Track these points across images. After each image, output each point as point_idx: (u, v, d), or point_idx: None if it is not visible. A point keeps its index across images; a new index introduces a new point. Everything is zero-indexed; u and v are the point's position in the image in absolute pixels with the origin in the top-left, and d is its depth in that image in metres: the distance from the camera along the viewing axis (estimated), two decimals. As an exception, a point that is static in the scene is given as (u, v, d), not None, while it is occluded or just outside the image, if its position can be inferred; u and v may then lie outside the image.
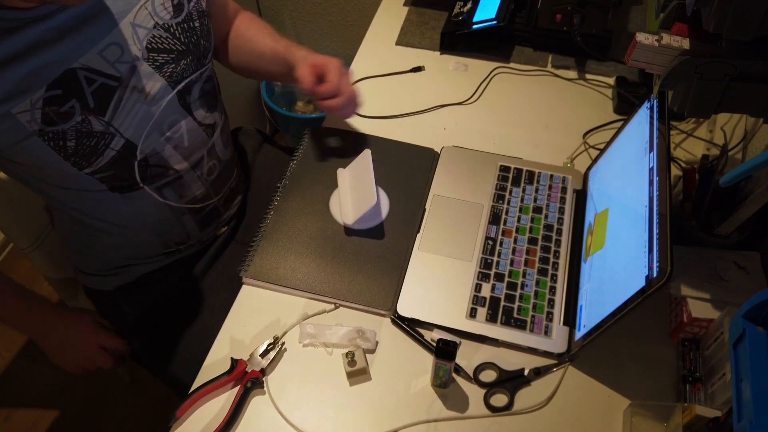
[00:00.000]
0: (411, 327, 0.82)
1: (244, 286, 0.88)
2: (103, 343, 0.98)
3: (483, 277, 0.86)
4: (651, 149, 0.77)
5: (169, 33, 0.81)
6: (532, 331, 0.81)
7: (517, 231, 0.91)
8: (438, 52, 1.21)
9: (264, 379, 0.78)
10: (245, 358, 0.79)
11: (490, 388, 0.77)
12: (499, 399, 0.77)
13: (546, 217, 0.93)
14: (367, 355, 0.80)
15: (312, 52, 0.97)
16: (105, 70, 0.74)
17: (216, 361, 0.80)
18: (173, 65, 0.82)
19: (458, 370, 0.79)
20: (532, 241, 0.90)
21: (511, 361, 0.80)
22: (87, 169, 0.78)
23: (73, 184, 0.82)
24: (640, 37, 0.72)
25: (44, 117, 0.71)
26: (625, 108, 1.07)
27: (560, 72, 1.16)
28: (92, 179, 0.80)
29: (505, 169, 0.99)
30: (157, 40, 0.79)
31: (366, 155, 0.94)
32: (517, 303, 0.83)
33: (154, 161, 0.85)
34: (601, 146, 1.02)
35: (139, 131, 0.80)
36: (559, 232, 0.91)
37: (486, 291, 0.85)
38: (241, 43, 1.02)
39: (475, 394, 0.77)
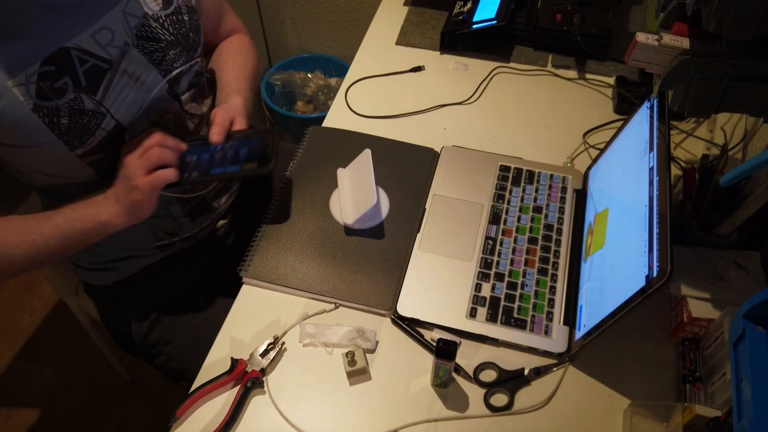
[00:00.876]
0: (411, 327, 0.82)
1: (244, 286, 0.88)
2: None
3: (483, 276, 0.86)
4: (651, 149, 0.77)
5: (158, 23, 0.84)
6: (532, 330, 0.81)
7: (517, 231, 0.91)
8: (438, 52, 1.21)
9: (264, 378, 0.78)
10: (245, 357, 0.79)
11: (490, 387, 0.77)
12: (499, 399, 0.77)
13: (546, 216, 0.93)
14: (367, 354, 0.80)
15: (239, 105, 0.94)
16: (96, 52, 0.77)
17: (216, 361, 0.80)
18: (162, 54, 0.84)
19: (458, 369, 0.79)
20: (532, 240, 0.90)
21: (511, 360, 0.80)
22: (79, 150, 0.80)
23: (64, 171, 0.83)
24: (641, 36, 0.72)
25: (39, 91, 0.74)
26: (625, 108, 1.07)
27: (560, 72, 1.16)
28: (83, 163, 0.82)
29: (505, 168, 0.99)
30: (147, 29, 0.82)
31: (366, 155, 0.94)
32: (517, 303, 0.83)
33: None
34: (601, 146, 1.02)
35: (128, 115, 0.82)
36: (559, 231, 0.91)
37: (486, 291, 0.85)
38: (214, 62, 1.03)
39: (475, 393, 0.77)
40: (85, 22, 0.76)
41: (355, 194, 0.93)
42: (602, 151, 0.95)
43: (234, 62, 1.02)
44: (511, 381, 0.78)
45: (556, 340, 0.80)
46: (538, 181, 0.97)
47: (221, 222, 1.06)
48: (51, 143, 0.77)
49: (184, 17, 0.88)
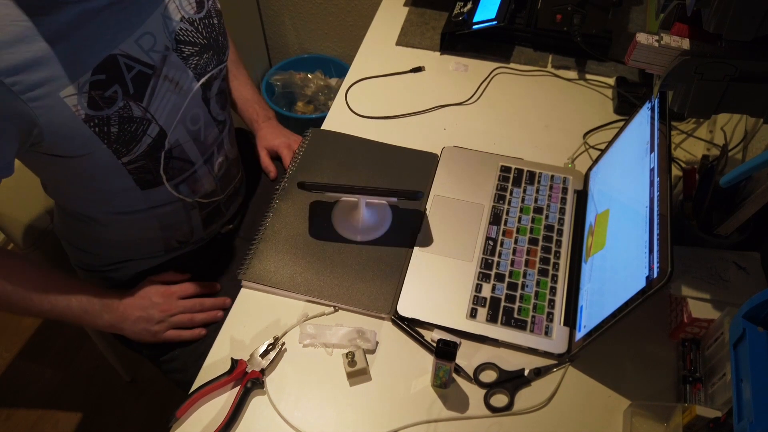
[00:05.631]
0: (411, 327, 0.82)
1: (243, 288, 0.88)
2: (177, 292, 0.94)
3: (483, 277, 0.86)
4: (652, 150, 0.77)
5: (193, 27, 0.85)
6: (532, 331, 0.81)
7: (517, 231, 0.91)
8: (438, 53, 1.21)
9: (264, 379, 0.78)
10: (245, 358, 0.79)
11: (490, 388, 0.77)
12: (499, 399, 0.77)
13: (547, 217, 0.93)
14: (367, 355, 0.80)
15: (273, 127, 1.13)
16: (141, 58, 0.78)
17: (216, 361, 0.80)
18: (197, 58, 0.85)
19: (458, 370, 0.79)
20: (533, 241, 0.90)
21: (511, 361, 0.80)
22: (125, 158, 0.80)
23: (105, 180, 0.83)
24: (640, 37, 0.72)
25: (90, 101, 0.73)
26: (625, 108, 1.07)
27: (560, 72, 1.16)
28: (124, 171, 0.82)
29: (505, 169, 0.99)
30: (184, 32, 0.83)
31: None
32: (517, 303, 0.83)
33: (177, 153, 0.87)
34: (602, 146, 1.02)
35: (169, 120, 0.83)
36: (560, 232, 0.91)
37: (486, 291, 0.85)
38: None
39: (475, 394, 0.77)
40: (129, 28, 0.76)
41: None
42: (603, 151, 0.95)
43: (239, 81, 1.11)
44: (511, 381, 0.78)
45: (557, 340, 0.80)
46: (538, 182, 0.97)
47: (227, 227, 1.06)
48: (100, 152, 0.77)
49: (214, 21, 0.89)
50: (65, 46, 0.70)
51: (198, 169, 0.92)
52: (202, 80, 0.87)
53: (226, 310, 0.87)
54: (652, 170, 0.75)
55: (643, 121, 0.83)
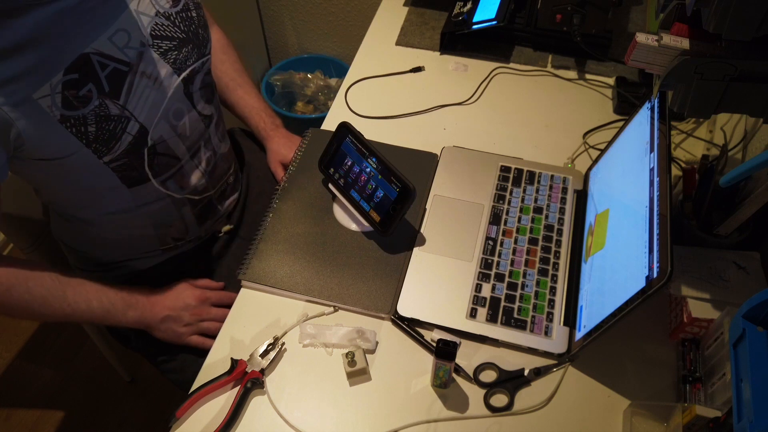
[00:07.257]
0: (411, 327, 0.82)
1: (243, 288, 0.88)
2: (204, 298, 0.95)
3: (483, 277, 0.86)
4: (651, 150, 0.77)
5: (169, 21, 0.84)
6: (532, 331, 0.81)
7: (517, 231, 0.91)
8: (438, 52, 1.21)
9: (264, 379, 0.78)
10: (245, 358, 0.79)
11: (490, 388, 0.77)
12: (499, 399, 0.77)
13: (546, 217, 0.93)
14: (367, 355, 0.80)
15: (283, 137, 1.11)
16: (115, 55, 0.77)
17: (216, 361, 0.80)
18: (176, 52, 0.84)
19: (458, 370, 0.79)
20: (533, 241, 0.90)
21: (511, 361, 0.80)
22: (106, 157, 0.80)
23: (90, 180, 0.83)
24: (640, 37, 0.72)
25: (64, 101, 0.73)
26: (625, 108, 1.07)
27: (560, 72, 1.16)
28: (108, 170, 0.81)
29: (505, 169, 0.99)
30: (160, 27, 0.82)
31: None
32: (517, 303, 0.83)
33: (161, 149, 0.86)
34: (601, 146, 1.02)
35: (150, 117, 0.82)
36: (560, 232, 0.91)
37: (486, 291, 0.85)
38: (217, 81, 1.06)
39: (475, 394, 0.77)
40: (102, 26, 0.75)
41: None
42: (603, 151, 0.95)
43: (243, 88, 1.11)
44: (511, 381, 0.78)
45: (556, 340, 0.80)
46: (538, 182, 0.97)
47: (227, 227, 1.06)
48: (80, 153, 0.77)
49: (193, 13, 0.88)
50: (34, 48, 0.69)
51: (185, 164, 0.92)
52: (183, 75, 0.86)
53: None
54: (651, 170, 0.75)
55: (642, 120, 0.83)
